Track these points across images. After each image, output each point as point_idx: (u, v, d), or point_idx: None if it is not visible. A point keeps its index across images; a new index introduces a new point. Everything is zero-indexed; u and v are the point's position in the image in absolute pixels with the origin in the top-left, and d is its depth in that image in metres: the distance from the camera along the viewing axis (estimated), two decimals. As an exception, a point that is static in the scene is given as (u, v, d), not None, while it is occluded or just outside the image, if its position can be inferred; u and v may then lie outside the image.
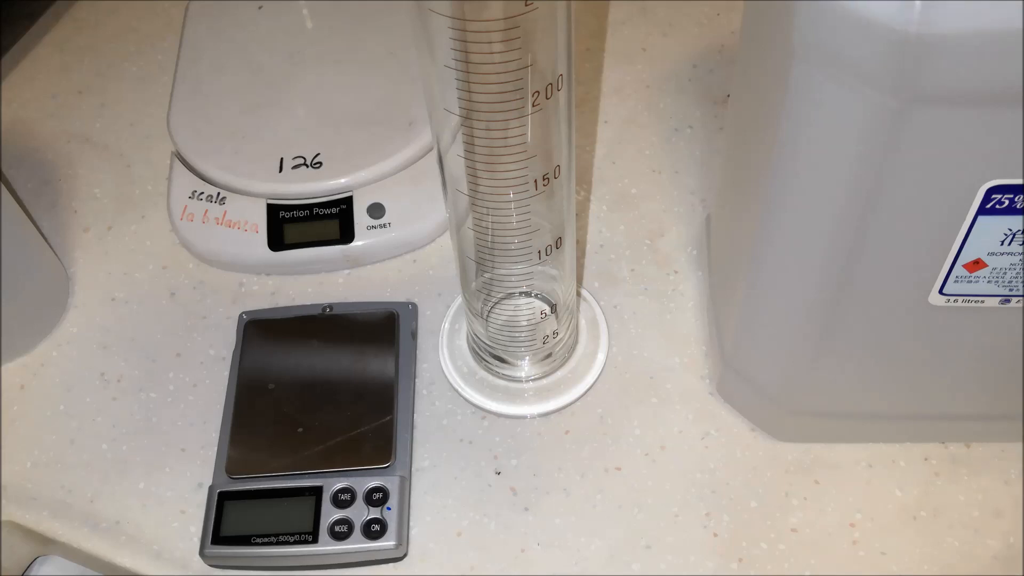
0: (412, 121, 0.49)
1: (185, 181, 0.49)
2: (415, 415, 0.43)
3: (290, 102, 0.51)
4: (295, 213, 0.47)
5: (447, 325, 0.45)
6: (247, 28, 0.55)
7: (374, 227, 0.47)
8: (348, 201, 0.48)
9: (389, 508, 0.38)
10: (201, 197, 0.48)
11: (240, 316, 0.45)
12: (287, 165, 0.48)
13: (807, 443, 0.41)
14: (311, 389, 0.42)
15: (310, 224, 0.47)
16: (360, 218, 0.47)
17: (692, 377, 0.43)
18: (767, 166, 0.31)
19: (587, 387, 0.43)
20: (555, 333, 0.41)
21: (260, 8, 0.56)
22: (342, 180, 0.48)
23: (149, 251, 0.50)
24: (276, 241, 0.47)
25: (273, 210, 0.48)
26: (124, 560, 0.40)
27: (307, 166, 0.48)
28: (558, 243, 0.36)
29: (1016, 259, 0.30)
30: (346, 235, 0.47)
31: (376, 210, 0.47)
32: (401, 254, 0.49)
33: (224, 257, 0.48)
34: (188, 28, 0.55)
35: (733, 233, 0.39)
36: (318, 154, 0.48)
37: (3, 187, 0.43)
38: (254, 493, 0.39)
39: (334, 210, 0.47)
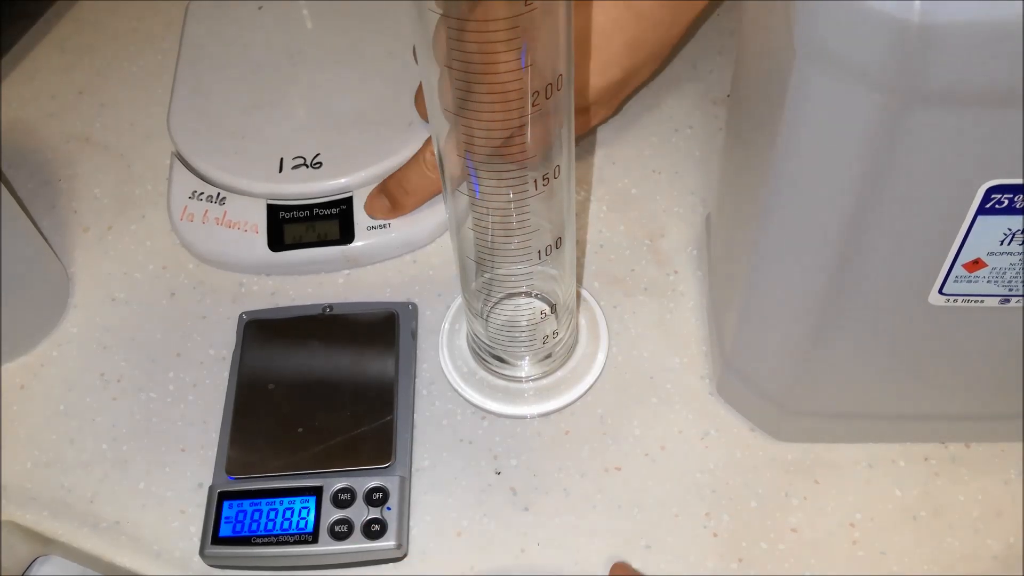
0: (412, 121, 0.49)
1: (185, 181, 0.49)
2: (415, 415, 0.43)
3: (290, 102, 0.51)
4: (295, 213, 0.47)
5: (447, 325, 0.45)
6: (247, 28, 0.55)
7: (374, 227, 0.47)
8: (348, 201, 0.48)
9: (389, 508, 0.38)
10: (201, 197, 0.48)
11: (240, 316, 0.45)
12: (287, 165, 0.48)
13: (807, 443, 0.41)
14: (311, 389, 0.42)
15: (310, 224, 0.47)
16: (360, 218, 0.47)
17: (692, 377, 0.43)
18: (767, 166, 0.31)
19: (587, 387, 0.43)
20: (555, 333, 0.41)
21: (260, 8, 0.56)
22: (342, 180, 0.48)
23: (149, 251, 0.50)
24: (276, 241, 0.47)
25: (273, 210, 0.48)
26: (124, 560, 0.40)
27: (307, 166, 0.48)
28: (558, 243, 0.36)
29: (1016, 259, 0.30)
30: (346, 235, 0.47)
31: None
32: (401, 254, 0.49)
33: (224, 257, 0.48)
34: (188, 28, 0.55)
35: (733, 233, 0.39)
36: (318, 154, 0.48)
37: (3, 187, 0.43)
38: (254, 493, 0.39)
39: (334, 210, 0.47)
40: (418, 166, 0.46)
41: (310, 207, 0.47)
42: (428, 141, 0.46)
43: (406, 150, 0.48)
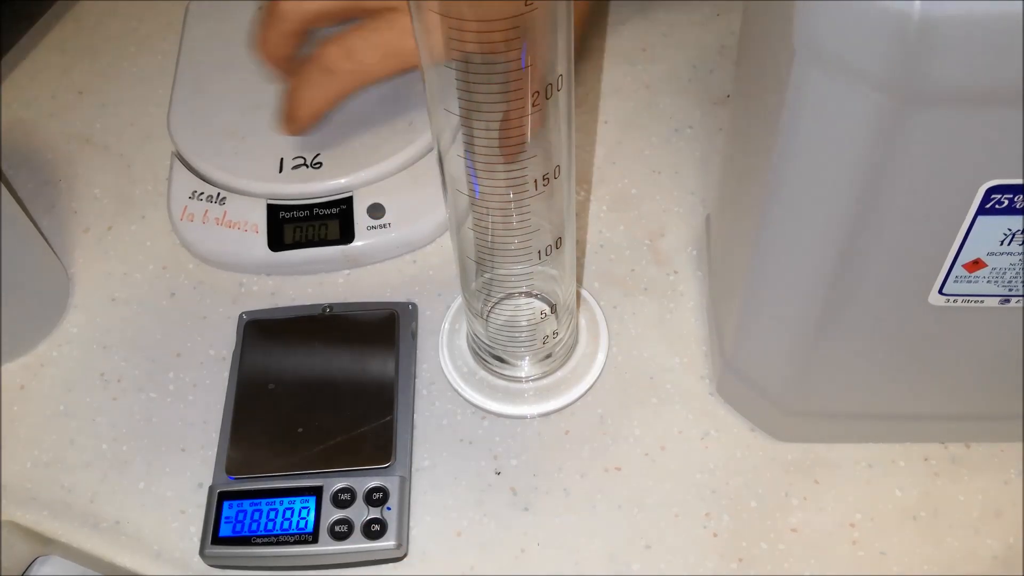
0: (412, 121, 0.49)
1: (185, 181, 0.49)
2: (415, 415, 0.43)
3: (290, 102, 0.51)
4: (295, 213, 0.47)
5: (447, 325, 0.45)
6: (247, 28, 0.55)
7: (374, 227, 0.47)
8: (348, 201, 0.48)
9: (389, 508, 0.38)
10: (201, 197, 0.48)
11: (240, 316, 0.45)
12: (287, 165, 0.48)
13: (807, 443, 0.41)
14: (311, 389, 0.42)
15: (310, 224, 0.47)
16: (360, 218, 0.47)
17: (692, 377, 0.43)
18: (767, 166, 0.31)
19: (587, 387, 0.43)
20: (555, 333, 0.41)
21: (260, 8, 0.56)
22: (342, 180, 0.48)
23: (149, 251, 0.50)
24: (276, 241, 0.47)
25: (273, 210, 0.48)
26: (124, 560, 0.40)
27: (307, 166, 0.48)
28: (558, 243, 0.36)
29: (1016, 259, 0.30)
30: (346, 235, 0.47)
31: (376, 210, 0.47)
32: (401, 254, 0.49)
33: (224, 257, 0.48)
34: (188, 28, 0.55)
35: (733, 233, 0.39)
36: (318, 154, 0.48)
37: (3, 187, 0.43)
38: (254, 493, 0.39)
39: (334, 210, 0.47)
40: (307, 72, 0.45)
41: (310, 207, 0.48)
42: (326, 44, 0.44)
43: (407, 149, 0.48)
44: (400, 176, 0.48)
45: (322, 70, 0.45)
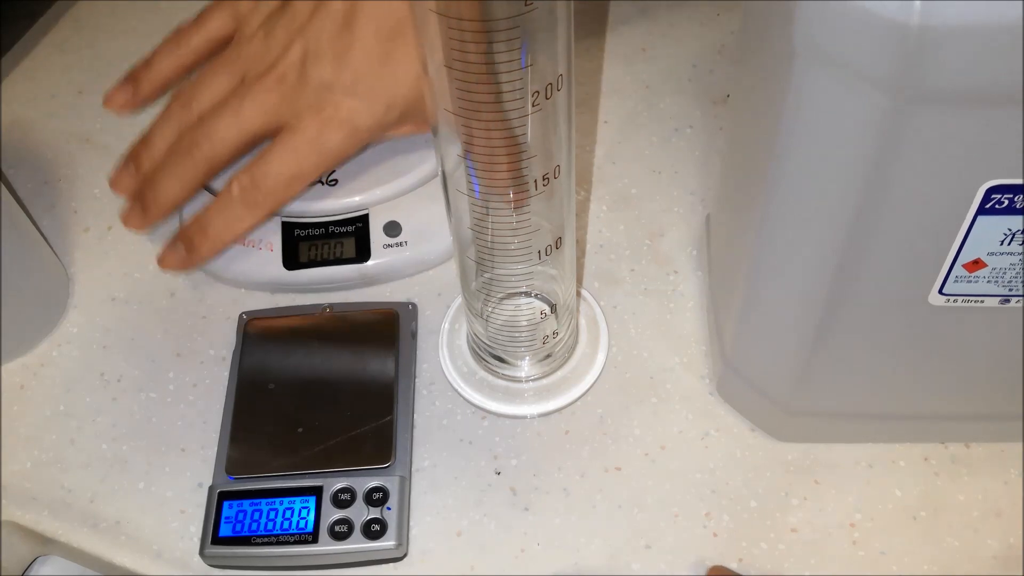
0: (429, 137, 0.49)
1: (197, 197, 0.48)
2: (415, 415, 0.43)
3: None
4: (310, 231, 0.47)
5: (447, 325, 0.45)
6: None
7: (390, 245, 0.47)
8: (364, 219, 0.47)
9: (389, 508, 0.38)
10: None
11: (240, 316, 0.45)
12: None
13: (807, 443, 0.41)
14: (311, 389, 0.42)
15: (325, 242, 0.47)
16: (376, 236, 0.47)
17: (692, 377, 0.43)
18: (767, 166, 0.31)
19: (587, 387, 0.43)
20: (555, 333, 0.41)
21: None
22: (357, 198, 0.47)
23: (149, 251, 0.50)
24: (291, 259, 0.47)
25: (288, 228, 0.47)
26: (124, 560, 0.40)
27: (322, 183, 0.47)
28: (558, 243, 0.36)
29: (1016, 259, 0.30)
30: (362, 253, 0.47)
31: (392, 228, 0.47)
32: (417, 272, 0.48)
33: (238, 276, 0.47)
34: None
35: (733, 233, 0.39)
36: (333, 171, 0.48)
37: (3, 187, 0.43)
38: (254, 493, 0.39)
39: (350, 228, 0.47)
40: (221, 203, 0.44)
41: (325, 225, 0.47)
42: (234, 176, 0.43)
43: (423, 166, 0.47)
44: (416, 193, 0.47)
45: (234, 202, 0.43)
